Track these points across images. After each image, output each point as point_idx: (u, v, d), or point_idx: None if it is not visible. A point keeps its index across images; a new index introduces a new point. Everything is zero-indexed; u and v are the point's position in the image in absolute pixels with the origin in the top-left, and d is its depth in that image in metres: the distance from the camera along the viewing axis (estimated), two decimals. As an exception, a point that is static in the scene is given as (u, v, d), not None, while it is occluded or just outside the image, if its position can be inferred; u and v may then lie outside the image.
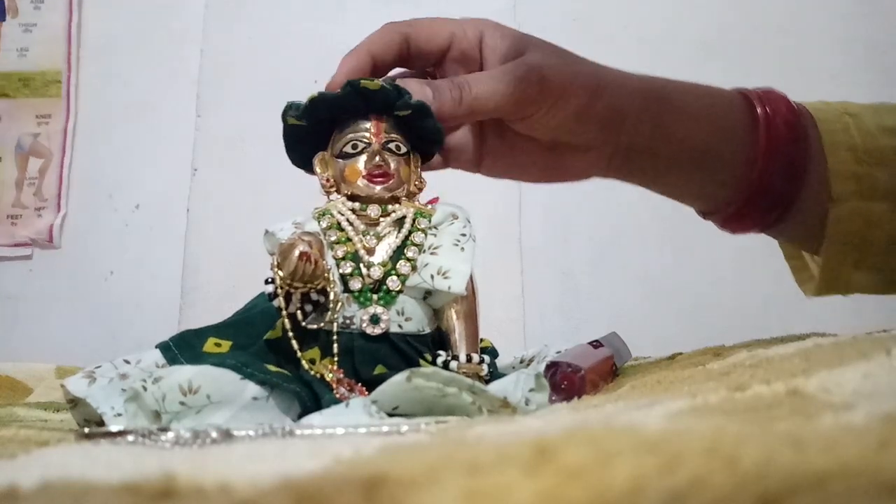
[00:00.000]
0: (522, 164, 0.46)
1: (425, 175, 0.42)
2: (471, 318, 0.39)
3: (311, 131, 0.40)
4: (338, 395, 0.33)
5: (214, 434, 0.24)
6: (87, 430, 0.26)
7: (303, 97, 0.42)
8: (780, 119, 0.44)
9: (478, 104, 0.41)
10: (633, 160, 0.45)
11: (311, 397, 0.33)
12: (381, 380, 0.31)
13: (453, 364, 0.37)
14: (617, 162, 0.45)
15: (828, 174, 0.44)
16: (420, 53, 0.43)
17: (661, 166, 0.46)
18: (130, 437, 0.24)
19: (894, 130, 0.45)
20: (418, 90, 0.40)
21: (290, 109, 0.40)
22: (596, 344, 0.42)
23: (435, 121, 0.40)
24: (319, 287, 0.35)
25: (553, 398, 0.33)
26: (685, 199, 0.49)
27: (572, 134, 0.43)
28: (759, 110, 0.45)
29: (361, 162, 0.39)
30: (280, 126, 0.41)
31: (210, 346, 0.38)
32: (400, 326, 0.37)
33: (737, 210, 0.46)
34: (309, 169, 0.42)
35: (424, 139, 0.41)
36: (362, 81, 0.38)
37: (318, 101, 0.39)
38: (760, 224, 0.47)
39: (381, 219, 0.39)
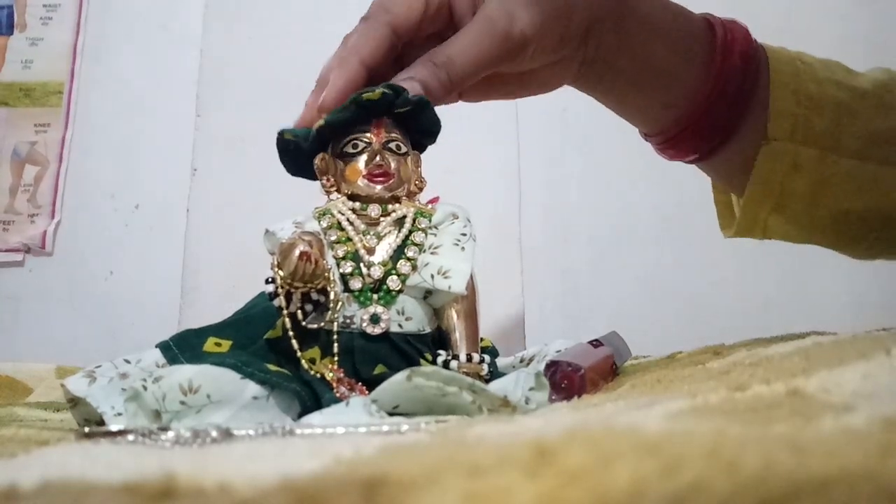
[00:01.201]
0: (498, 87, 0.47)
1: (425, 175, 0.42)
2: (471, 318, 0.39)
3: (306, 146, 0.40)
4: (338, 395, 0.33)
5: (214, 433, 0.24)
6: (87, 429, 0.26)
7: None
8: (736, 50, 0.45)
9: (466, 77, 0.40)
10: (596, 72, 0.46)
11: (311, 397, 0.33)
12: (381, 379, 0.31)
13: (453, 363, 0.37)
14: (582, 71, 0.46)
15: (768, 113, 0.44)
16: (406, 35, 0.42)
17: (620, 81, 0.46)
18: (130, 437, 0.24)
19: (842, 84, 0.46)
20: (408, 87, 0.39)
21: (286, 133, 0.40)
22: (596, 343, 0.42)
23: (433, 112, 0.40)
24: (320, 287, 0.35)
25: (553, 397, 0.33)
26: (635, 119, 0.50)
27: (550, 58, 0.44)
28: (718, 38, 0.45)
29: (362, 162, 0.39)
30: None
31: (210, 345, 0.38)
32: (400, 326, 0.37)
33: (677, 134, 0.47)
34: (303, 174, 0.42)
35: (423, 130, 0.41)
36: (364, 95, 0.38)
37: (324, 129, 0.39)
38: (696, 152, 0.48)
39: (382, 218, 0.39)
